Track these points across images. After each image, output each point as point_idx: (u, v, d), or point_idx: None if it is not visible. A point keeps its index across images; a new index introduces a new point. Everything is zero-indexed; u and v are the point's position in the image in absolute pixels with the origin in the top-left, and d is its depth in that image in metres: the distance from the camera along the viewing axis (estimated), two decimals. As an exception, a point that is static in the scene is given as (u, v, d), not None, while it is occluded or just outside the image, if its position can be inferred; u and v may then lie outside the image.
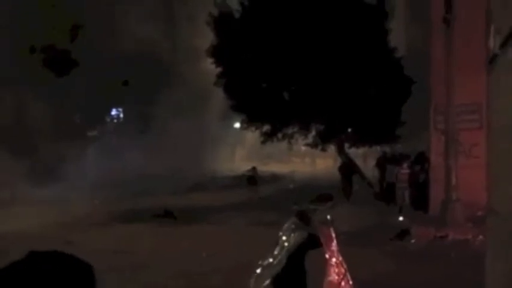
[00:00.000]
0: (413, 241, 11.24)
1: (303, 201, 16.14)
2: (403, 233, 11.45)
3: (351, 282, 5.60)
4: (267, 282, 5.53)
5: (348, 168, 16.89)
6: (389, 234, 11.38)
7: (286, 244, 5.72)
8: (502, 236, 2.02)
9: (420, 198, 13.96)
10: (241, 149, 34.18)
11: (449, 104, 12.47)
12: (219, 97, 20.78)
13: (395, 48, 16.84)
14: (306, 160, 34.90)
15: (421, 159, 14.72)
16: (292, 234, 5.74)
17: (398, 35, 17.57)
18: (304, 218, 5.93)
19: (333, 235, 5.81)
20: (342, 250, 10.20)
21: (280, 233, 5.88)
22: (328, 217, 6.02)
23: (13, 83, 22.32)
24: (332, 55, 15.51)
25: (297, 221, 5.87)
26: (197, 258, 9.41)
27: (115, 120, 31.01)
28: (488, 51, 2.58)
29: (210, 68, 18.31)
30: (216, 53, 17.33)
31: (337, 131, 16.66)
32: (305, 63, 15.63)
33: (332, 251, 5.72)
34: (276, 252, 5.71)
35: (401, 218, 12.82)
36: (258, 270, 5.68)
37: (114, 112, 30.72)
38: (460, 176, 12.33)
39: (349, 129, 16.67)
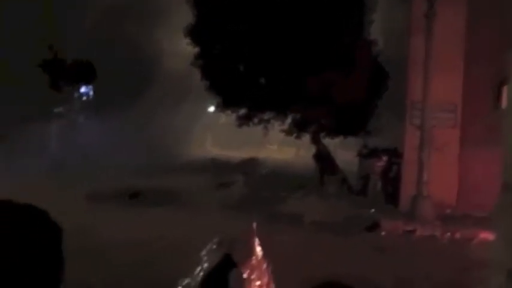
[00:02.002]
0: (382, 234, 11.33)
1: (275, 188, 16.11)
2: (373, 226, 11.53)
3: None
4: None
5: (325, 157, 16.80)
6: (360, 226, 11.44)
7: (206, 265, 5.60)
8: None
9: (392, 192, 14.08)
10: (215, 134, 33.95)
11: (426, 100, 12.52)
12: (192, 80, 20.46)
13: (375, 40, 16.84)
14: (280, 148, 34.91)
15: (394, 153, 14.82)
16: (211, 255, 5.62)
17: (377, 27, 17.52)
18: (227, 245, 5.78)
19: (256, 244, 5.67)
20: (309, 237, 10.25)
21: (202, 253, 5.74)
22: (254, 225, 5.93)
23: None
24: (310, 45, 15.42)
25: (219, 241, 5.70)
26: (161, 242, 9.22)
27: (84, 98, 30.14)
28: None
29: (185, 48, 17.99)
30: (194, 32, 17.02)
31: (312, 119, 16.59)
32: (283, 51, 15.52)
33: (252, 266, 5.55)
34: (195, 273, 5.57)
35: (372, 211, 12.90)
36: None
37: (83, 89, 29.83)
38: (432, 173, 12.44)
39: (325, 119, 16.59)
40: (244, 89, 16.36)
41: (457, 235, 11.36)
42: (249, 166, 16.28)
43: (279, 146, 34.83)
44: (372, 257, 9.31)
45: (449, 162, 13.28)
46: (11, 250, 0.86)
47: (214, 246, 5.77)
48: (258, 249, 5.66)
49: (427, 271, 8.61)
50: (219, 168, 21.53)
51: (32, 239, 0.89)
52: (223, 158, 25.70)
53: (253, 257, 5.62)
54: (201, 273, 5.49)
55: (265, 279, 5.58)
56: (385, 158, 15.07)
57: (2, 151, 20.79)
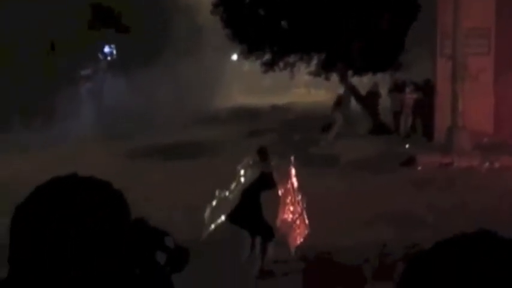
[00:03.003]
0: (419, 168, 11.21)
1: (305, 131, 16.03)
2: (409, 161, 11.40)
3: (307, 222, 5.63)
4: (222, 217, 5.57)
5: (374, 96, 16.24)
6: (396, 163, 11.33)
7: (242, 180, 5.76)
8: None
9: (425, 125, 13.86)
10: (239, 82, 33.79)
11: (457, 27, 12.04)
12: (213, 30, 20.18)
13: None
14: (306, 91, 34.58)
15: (426, 86, 14.47)
16: (248, 171, 5.79)
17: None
18: (263, 154, 6.02)
19: (292, 173, 5.83)
20: (347, 177, 10.25)
21: (239, 167, 5.88)
22: (292, 158, 6.08)
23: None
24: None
25: (256, 158, 5.89)
26: (200, 191, 9.33)
27: (108, 58, 30.15)
28: None
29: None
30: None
31: (339, 58, 16.18)
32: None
33: (287, 190, 5.71)
34: (232, 187, 5.73)
35: (407, 146, 12.74)
36: (214, 202, 5.72)
37: (107, 49, 29.79)
38: (466, 103, 12.12)
39: (352, 57, 16.13)
40: (266, 34, 16.01)
41: (496, 164, 11.17)
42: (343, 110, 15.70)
43: (306, 89, 34.55)
44: (410, 192, 9.27)
45: (484, 90, 12.93)
46: (82, 223, 0.89)
47: (251, 162, 5.96)
48: (294, 179, 5.83)
49: (466, 202, 8.54)
50: (248, 116, 21.55)
51: (100, 210, 0.92)
52: (251, 105, 25.66)
53: (290, 182, 5.81)
54: (238, 187, 5.75)
55: (298, 208, 5.75)
56: (414, 91, 14.74)
57: (38, 119, 21.29)
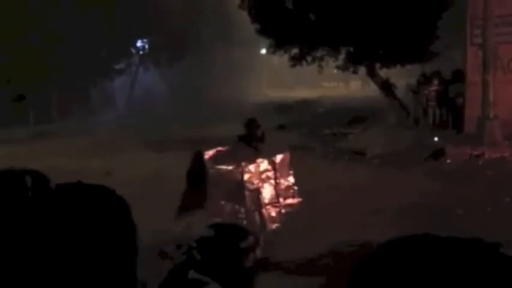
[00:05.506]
0: (448, 161, 11.06)
1: (334, 125, 16.01)
2: (438, 153, 11.25)
3: (278, 213, 5.92)
4: None
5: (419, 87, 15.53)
6: (424, 155, 11.21)
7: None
8: None
9: (454, 117, 13.64)
10: (269, 75, 33.84)
11: (488, 15, 11.79)
12: (242, 24, 20.29)
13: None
14: (335, 84, 34.39)
15: (458, 76, 14.16)
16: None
17: None
18: (249, 125, 6.29)
19: (285, 160, 6.07)
20: (376, 171, 10.20)
21: None
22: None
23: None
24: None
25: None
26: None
27: (141, 52, 30.71)
28: None
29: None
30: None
31: (367, 50, 15.98)
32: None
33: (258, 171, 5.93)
34: None
35: (436, 139, 12.57)
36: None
37: (139, 44, 30.35)
38: (497, 93, 11.87)
39: (381, 49, 15.90)
40: (293, 27, 15.96)
41: (528, 155, 10.94)
42: None
43: (336, 82, 34.34)
44: (439, 185, 9.16)
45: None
46: (87, 234, 0.90)
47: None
48: (287, 168, 6.04)
49: (497, 194, 8.42)
50: (277, 110, 21.61)
51: (104, 219, 0.93)
52: (280, 99, 25.70)
53: (273, 163, 6.03)
54: None
55: (273, 192, 5.88)
56: (436, 82, 14.49)
57: (75, 109, 21.95)
